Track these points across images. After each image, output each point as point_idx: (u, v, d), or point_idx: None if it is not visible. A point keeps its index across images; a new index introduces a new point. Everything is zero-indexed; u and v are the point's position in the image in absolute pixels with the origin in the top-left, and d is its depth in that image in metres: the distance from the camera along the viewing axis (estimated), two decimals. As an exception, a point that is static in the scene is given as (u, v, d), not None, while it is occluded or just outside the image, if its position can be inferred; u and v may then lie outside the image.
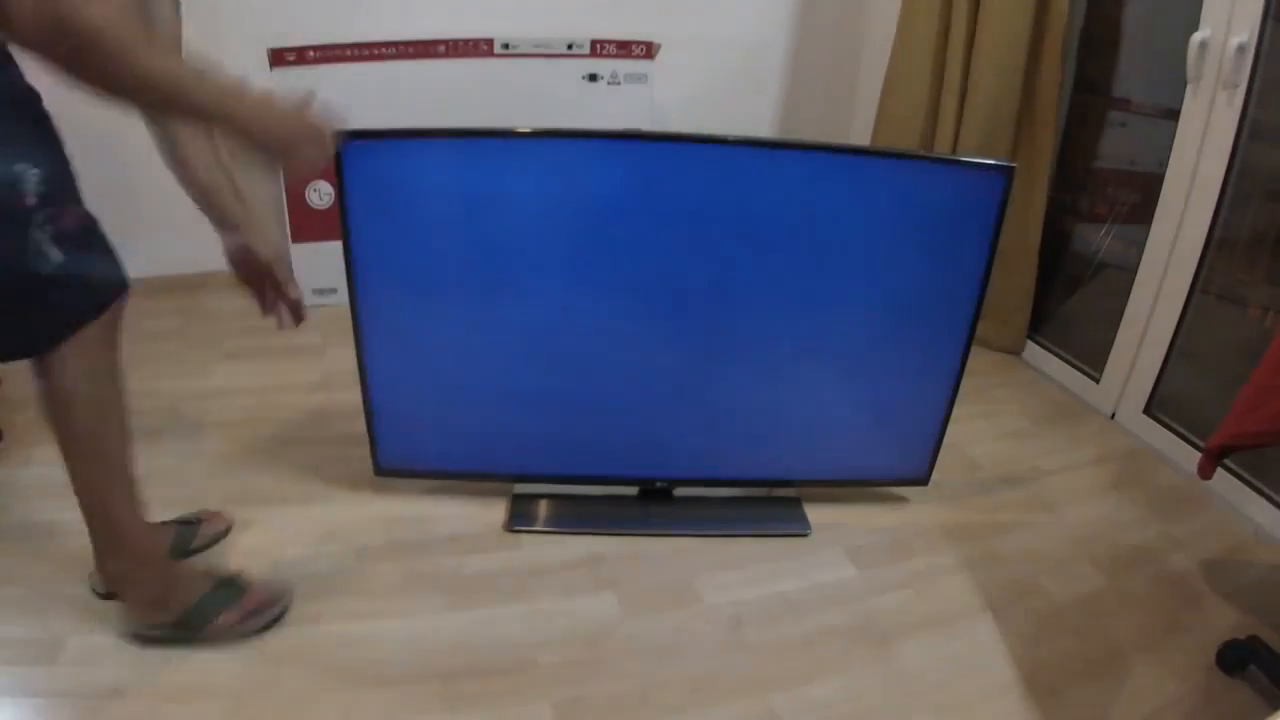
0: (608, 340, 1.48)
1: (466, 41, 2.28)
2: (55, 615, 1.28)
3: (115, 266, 1.09)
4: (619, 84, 2.44)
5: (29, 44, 0.80)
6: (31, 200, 0.95)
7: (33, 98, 0.99)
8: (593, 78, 2.42)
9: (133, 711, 1.14)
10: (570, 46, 2.36)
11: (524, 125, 1.33)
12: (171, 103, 0.90)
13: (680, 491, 1.69)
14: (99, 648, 1.23)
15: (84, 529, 1.16)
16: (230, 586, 1.28)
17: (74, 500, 1.12)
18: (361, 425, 1.49)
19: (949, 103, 2.33)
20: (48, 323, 1.02)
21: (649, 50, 2.42)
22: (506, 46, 2.31)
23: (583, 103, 2.41)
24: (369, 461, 1.56)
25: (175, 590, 1.24)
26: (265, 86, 0.95)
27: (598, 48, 2.38)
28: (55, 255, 0.98)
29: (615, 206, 1.39)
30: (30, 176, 0.95)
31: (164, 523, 1.40)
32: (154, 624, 1.23)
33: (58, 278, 0.99)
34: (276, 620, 1.30)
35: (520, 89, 2.32)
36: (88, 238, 1.05)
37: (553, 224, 1.40)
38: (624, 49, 2.41)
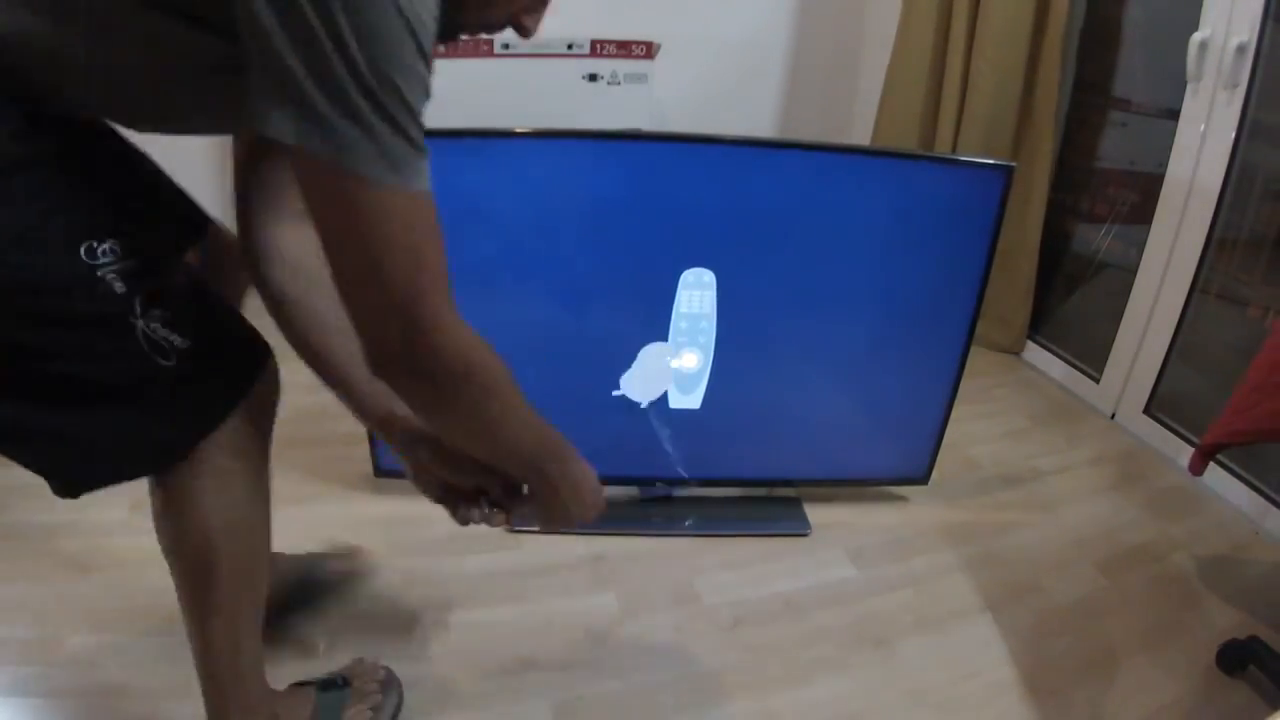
0: (606, 340, 1.48)
1: (466, 41, 2.28)
2: (55, 615, 1.28)
3: (245, 331, 0.89)
4: (619, 84, 2.43)
5: (398, 379, 0.71)
6: (120, 287, 0.72)
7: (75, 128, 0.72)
8: (593, 78, 2.41)
9: (133, 711, 1.14)
10: (570, 46, 2.36)
11: (524, 125, 1.33)
12: (522, 451, 0.82)
13: (680, 491, 1.69)
14: (99, 647, 1.23)
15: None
16: (335, 688, 1.11)
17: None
18: (361, 425, 1.49)
19: (949, 103, 2.33)
20: (175, 427, 0.81)
21: (649, 50, 2.42)
22: (506, 46, 2.31)
23: (583, 103, 2.41)
24: (369, 462, 1.56)
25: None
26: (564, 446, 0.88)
27: (598, 48, 2.38)
28: (177, 341, 0.77)
29: (615, 206, 1.38)
30: (105, 254, 0.71)
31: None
32: None
33: (184, 368, 0.77)
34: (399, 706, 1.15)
35: (520, 89, 2.32)
36: (206, 300, 0.83)
37: (552, 224, 1.40)
38: (624, 49, 2.40)
